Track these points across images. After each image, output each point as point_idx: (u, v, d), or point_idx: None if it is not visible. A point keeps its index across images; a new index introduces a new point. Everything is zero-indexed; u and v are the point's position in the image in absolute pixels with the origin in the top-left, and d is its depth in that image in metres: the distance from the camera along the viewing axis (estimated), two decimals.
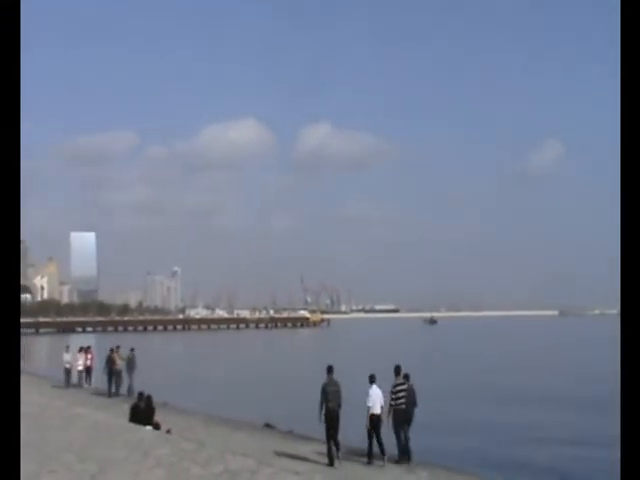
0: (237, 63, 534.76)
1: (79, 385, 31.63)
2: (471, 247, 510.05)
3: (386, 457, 14.87)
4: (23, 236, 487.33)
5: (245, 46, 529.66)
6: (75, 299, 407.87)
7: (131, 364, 28.55)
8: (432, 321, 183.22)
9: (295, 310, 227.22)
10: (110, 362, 28.74)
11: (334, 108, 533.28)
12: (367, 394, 14.90)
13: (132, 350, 29.13)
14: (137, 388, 24.02)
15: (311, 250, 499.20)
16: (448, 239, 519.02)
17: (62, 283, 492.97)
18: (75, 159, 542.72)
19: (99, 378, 30.81)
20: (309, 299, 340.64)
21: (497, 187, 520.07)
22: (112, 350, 29.43)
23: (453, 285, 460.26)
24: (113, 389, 28.13)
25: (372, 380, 15.14)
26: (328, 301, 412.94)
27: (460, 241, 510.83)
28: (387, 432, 15.04)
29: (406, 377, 15.60)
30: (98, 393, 28.83)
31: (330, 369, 14.76)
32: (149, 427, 17.64)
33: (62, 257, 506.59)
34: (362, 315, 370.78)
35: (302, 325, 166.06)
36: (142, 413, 18.78)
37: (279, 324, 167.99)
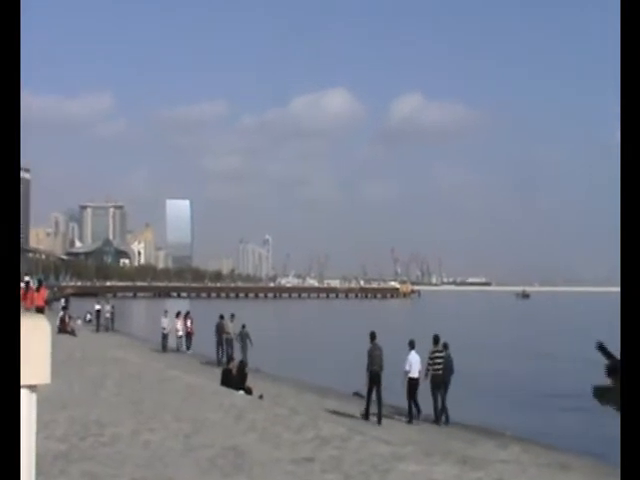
0: (329, 32, 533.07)
1: (177, 350, 32.06)
2: (568, 218, 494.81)
3: (421, 416, 16.28)
4: (122, 202, 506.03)
5: (339, 14, 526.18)
6: (170, 265, 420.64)
7: (243, 340, 27.58)
8: (524, 295, 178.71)
9: (385, 281, 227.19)
10: (220, 330, 28.32)
11: (425, 77, 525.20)
12: (406, 359, 16.34)
13: (243, 327, 28.35)
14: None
15: (402, 221, 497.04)
16: (543, 209, 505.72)
17: (158, 249, 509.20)
18: (170, 128, 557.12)
19: (199, 344, 31.51)
20: (399, 270, 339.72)
21: (592, 156, 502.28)
22: (222, 317, 29.09)
23: (547, 259, 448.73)
24: (223, 357, 27.04)
25: (412, 346, 16.57)
26: (418, 272, 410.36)
27: (555, 210, 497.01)
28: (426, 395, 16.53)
29: (445, 346, 16.98)
30: (205, 361, 28.51)
31: (373, 335, 16.37)
32: (241, 392, 18.00)
33: (158, 224, 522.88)
34: (453, 288, 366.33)
35: (392, 296, 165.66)
36: (234, 378, 19.20)
37: (369, 294, 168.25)
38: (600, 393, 3.17)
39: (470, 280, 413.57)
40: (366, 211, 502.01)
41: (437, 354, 16.75)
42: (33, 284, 34.22)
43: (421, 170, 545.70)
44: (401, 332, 28.75)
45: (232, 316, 29.53)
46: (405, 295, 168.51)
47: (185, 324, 32.76)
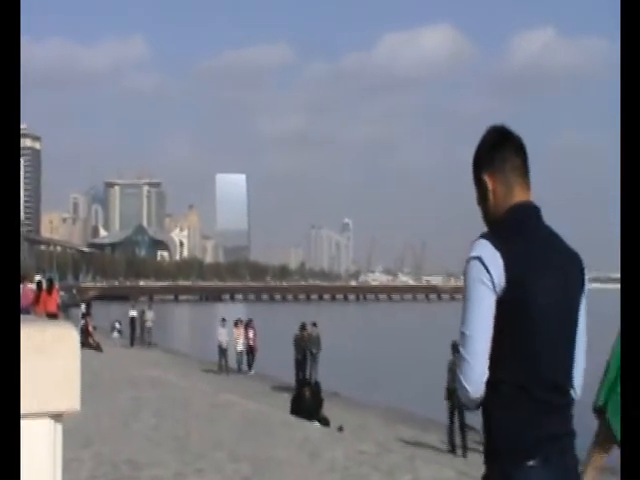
0: None
1: (238, 370, 32.70)
2: None
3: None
4: (158, 178, 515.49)
5: None
6: (221, 258, 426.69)
7: (315, 347, 27.99)
8: None
9: None
10: (301, 343, 28.59)
11: (559, 7, 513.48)
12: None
13: (314, 324, 28.75)
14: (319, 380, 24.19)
15: None
16: None
17: (205, 238, 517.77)
18: (218, 82, 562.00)
19: (263, 362, 31.91)
20: None
21: None
22: (303, 327, 29.36)
23: None
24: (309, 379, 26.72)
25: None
26: None
27: None
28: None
29: None
30: (273, 384, 28.86)
31: (456, 347, 15.79)
32: (316, 423, 18.15)
33: (205, 205, 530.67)
34: (596, 285, 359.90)
35: None
36: (307, 404, 19.38)
37: None
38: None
39: (613, 276, 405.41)
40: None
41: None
42: (45, 283, 34.77)
43: (549, 129, 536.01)
44: None
45: (314, 325, 29.67)
46: None
47: (247, 336, 33.17)
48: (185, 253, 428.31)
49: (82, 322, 38.41)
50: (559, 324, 3.17)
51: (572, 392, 3.26)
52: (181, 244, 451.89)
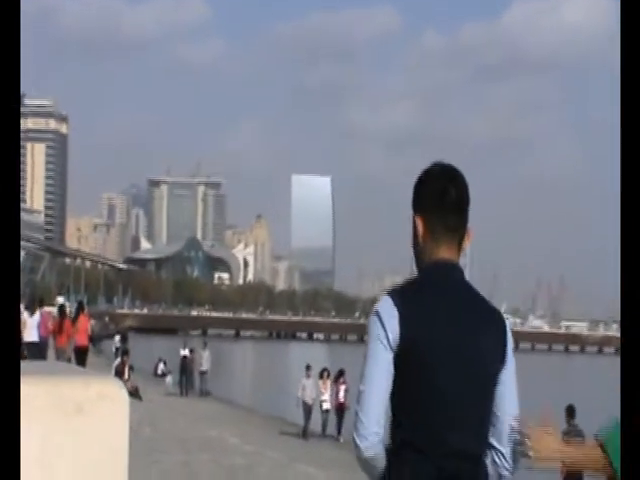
0: None
1: (322, 433, 32.98)
2: None
3: None
4: (218, 176, 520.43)
5: None
6: (297, 285, 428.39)
7: None
8: None
9: None
10: None
11: None
12: None
13: None
14: None
15: None
16: None
17: (277, 258, 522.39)
18: (295, 54, 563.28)
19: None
20: None
21: None
22: None
23: None
24: None
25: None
26: None
27: None
28: None
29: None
30: None
31: (571, 411, 20.68)
32: None
33: (277, 215, 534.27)
34: None
35: None
36: None
37: None
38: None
39: None
40: None
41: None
42: (70, 309, 34.90)
43: None
44: None
45: None
46: None
47: (337, 390, 33.17)
48: (250, 276, 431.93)
49: (117, 361, 38.74)
50: (462, 386, 3.79)
51: (489, 461, 3.90)
52: (245, 264, 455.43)
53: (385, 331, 3.75)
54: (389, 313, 3.76)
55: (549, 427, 4.03)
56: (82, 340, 30.63)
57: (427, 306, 3.81)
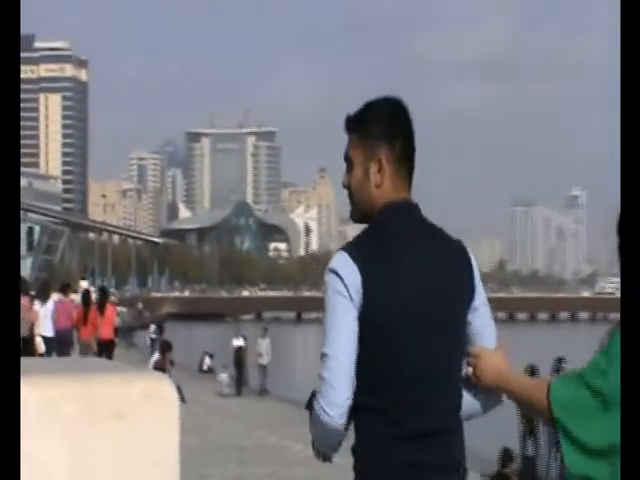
0: None
1: None
2: None
3: None
4: (271, 125, 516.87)
5: None
6: None
7: None
8: None
9: None
10: None
11: None
12: None
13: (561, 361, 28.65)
14: None
15: None
16: None
17: (345, 220, 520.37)
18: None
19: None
20: None
21: None
22: (533, 370, 28.40)
23: None
24: None
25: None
26: None
27: None
28: None
29: None
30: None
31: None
32: None
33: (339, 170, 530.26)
34: None
35: None
36: None
37: None
38: None
39: None
40: None
41: None
42: (95, 294, 34.76)
43: None
44: None
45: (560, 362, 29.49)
46: None
47: None
48: (314, 245, 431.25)
49: (156, 356, 38.84)
50: (431, 337, 4.01)
51: (463, 413, 4.14)
52: (307, 231, 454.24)
53: (345, 286, 3.93)
54: (347, 268, 3.95)
55: (499, 352, 4.22)
56: (107, 332, 30.53)
57: (387, 257, 4.00)
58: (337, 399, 3.90)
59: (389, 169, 4.16)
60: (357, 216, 4.28)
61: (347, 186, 4.26)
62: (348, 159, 4.25)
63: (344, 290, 3.92)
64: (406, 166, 4.21)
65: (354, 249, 4.01)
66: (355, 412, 3.98)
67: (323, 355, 3.96)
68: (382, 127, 4.17)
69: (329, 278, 3.98)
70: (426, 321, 3.99)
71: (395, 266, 3.99)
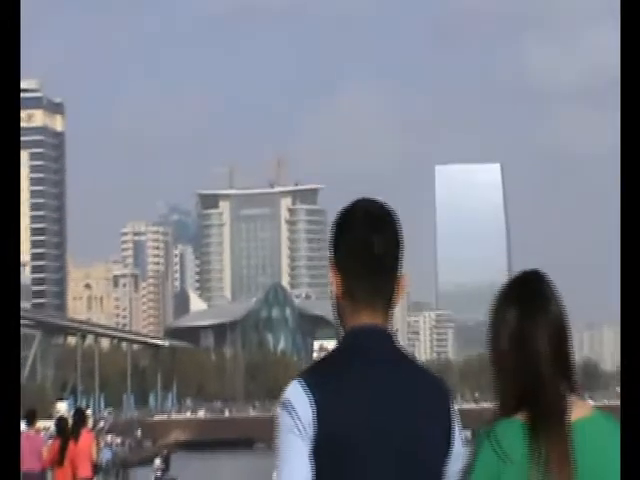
0: None
1: None
2: None
3: None
4: (311, 181, 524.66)
5: None
6: (450, 352, 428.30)
7: None
8: None
9: None
10: None
11: None
12: None
13: None
14: None
15: None
16: None
17: (416, 305, 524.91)
18: None
19: None
20: None
21: None
22: None
23: None
24: None
25: None
26: None
27: None
28: None
29: None
30: None
31: None
32: None
33: (416, 236, 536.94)
34: None
35: None
36: None
37: None
38: None
39: None
40: None
41: None
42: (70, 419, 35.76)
43: None
44: None
45: None
46: None
47: None
48: None
49: None
50: (385, 476, 4.79)
51: None
52: None
53: (296, 421, 4.67)
54: (299, 400, 4.68)
55: None
56: (84, 471, 30.71)
57: (346, 388, 4.72)
58: None
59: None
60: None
61: None
62: None
63: (295, 426, 4.67)
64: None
65: (310, 378, 4.74)
66: None
67: None
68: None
69: (281, 412, 4.71)
70: (387, 465, 4.70)
71: (355, 400, 4.70)
